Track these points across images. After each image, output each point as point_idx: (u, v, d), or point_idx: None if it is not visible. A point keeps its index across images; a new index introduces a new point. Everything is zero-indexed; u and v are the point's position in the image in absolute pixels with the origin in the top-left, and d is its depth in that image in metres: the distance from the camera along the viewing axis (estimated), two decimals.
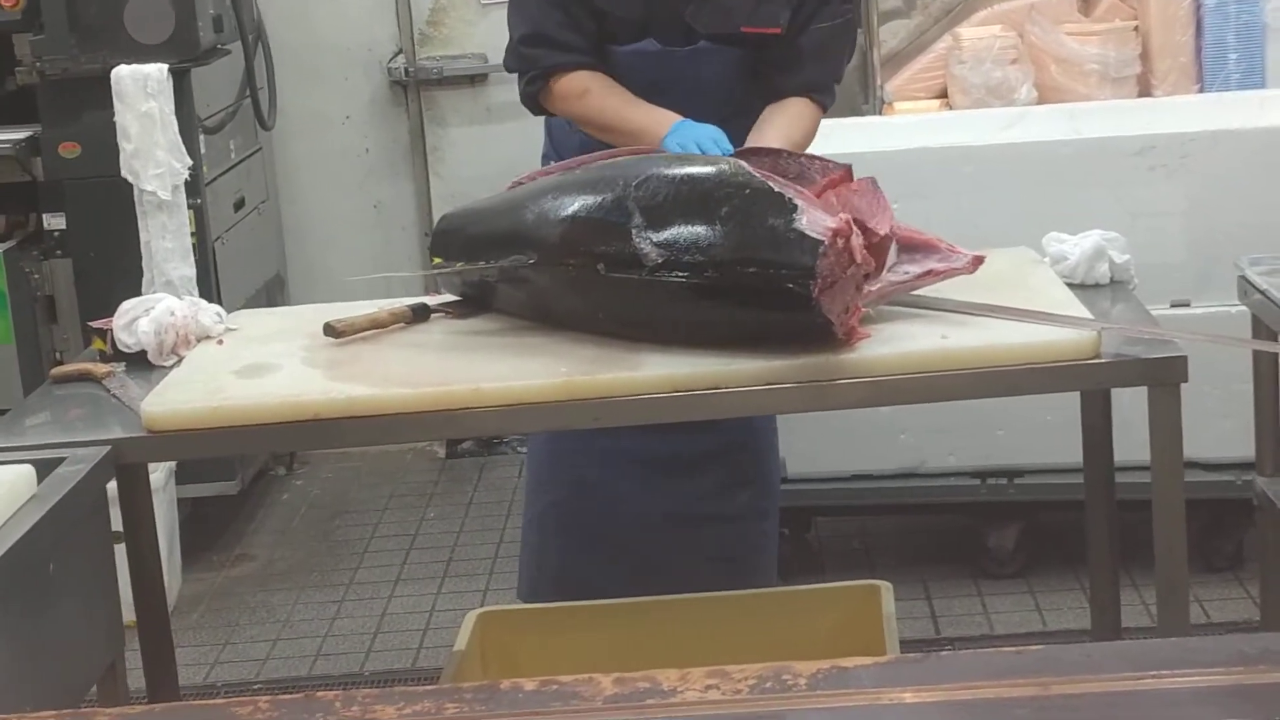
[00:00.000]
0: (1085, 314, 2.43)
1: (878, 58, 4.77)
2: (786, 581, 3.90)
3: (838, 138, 3.99)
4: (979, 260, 2.52)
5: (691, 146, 2.80)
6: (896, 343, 2.37)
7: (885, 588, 2.91)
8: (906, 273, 2.49)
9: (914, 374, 2.33)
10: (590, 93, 3.03)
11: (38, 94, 4.39)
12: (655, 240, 2.35)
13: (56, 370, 2.68)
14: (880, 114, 4.58)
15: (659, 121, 2.93)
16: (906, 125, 4.24)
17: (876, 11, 4.82)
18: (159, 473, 3.86)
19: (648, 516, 3.20)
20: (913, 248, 2.51)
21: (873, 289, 2.41)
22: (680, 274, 2.33)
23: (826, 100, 3.13)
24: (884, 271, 2.45)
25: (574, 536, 3.22)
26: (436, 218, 4.91)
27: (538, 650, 2.93)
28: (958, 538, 4.11)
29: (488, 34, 5.22)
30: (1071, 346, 2.33)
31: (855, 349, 2.34)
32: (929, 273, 2.49)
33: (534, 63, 3.05)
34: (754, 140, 2.92)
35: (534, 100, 3.10)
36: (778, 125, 3.00)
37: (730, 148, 2.80)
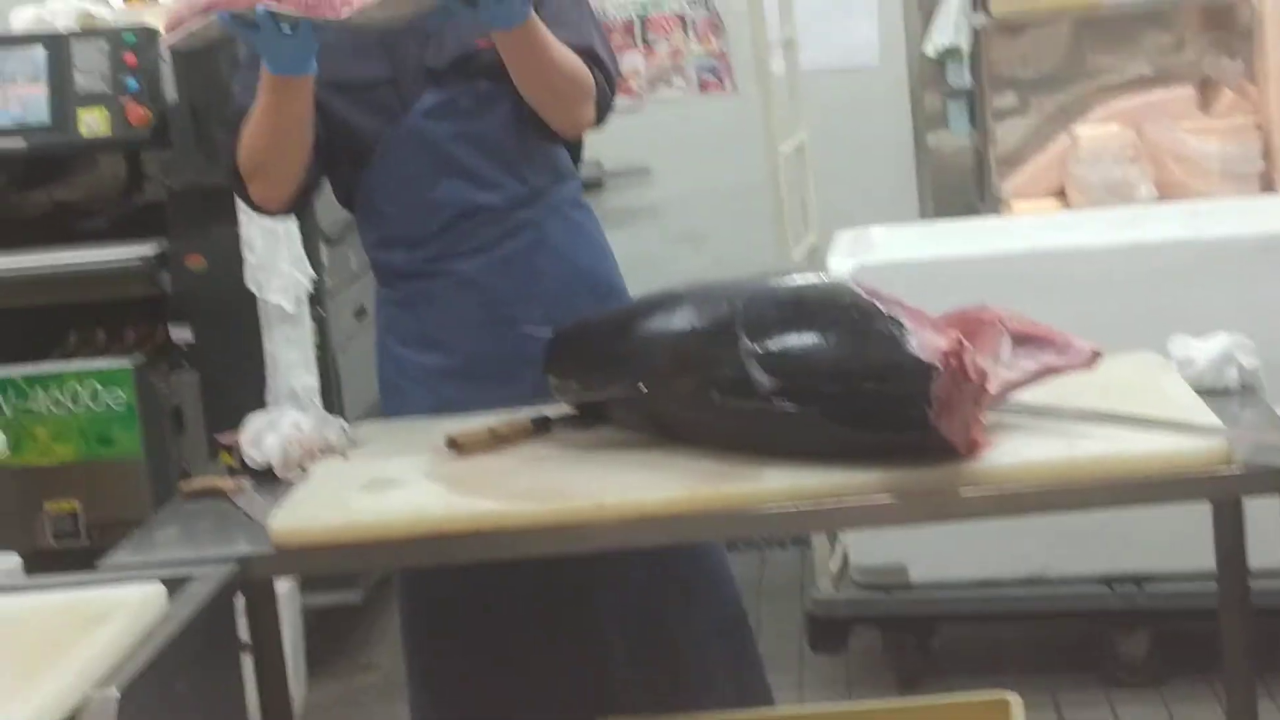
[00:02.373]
0: (1215, 421, 2.39)
1: (994, 157, 4.77)
2: (910, 691, 3.86)
3: (955, 239, 3.98)
4: (1097, 354, 2.48)
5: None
6: (1020, 452, 2.33)
7: (1014, 700, 2.85)
8: (1024, 369, 2.46)
9: (1039, 484, 2.30)
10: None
11: (165, 209, 4.48)
12: (766, 366, 2.35)
13: (186, 486, 2.72)
14: (997, 214, 4.57)
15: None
16: (1024, 226, 4.22)
17: (991, 110, 4.82)
18: (285, 583, 3.90)
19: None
20: (1027, 340, 2.48)
21: (991, 392, 2.39)
22: (793, 401, 2.33)
23: (600, 74, 2.86)
24: (999, 368, 2.43)
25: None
26: None
27: None
28: (1087, 645, 4.03)
29: (601, 141, 5.25)
30: (1202, 455, 2.29)
31: (979, 459, 2.31)
32: (1046, 368, 2.46)
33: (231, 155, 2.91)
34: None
35: (243, 188, 2.93)
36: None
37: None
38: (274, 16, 2.57)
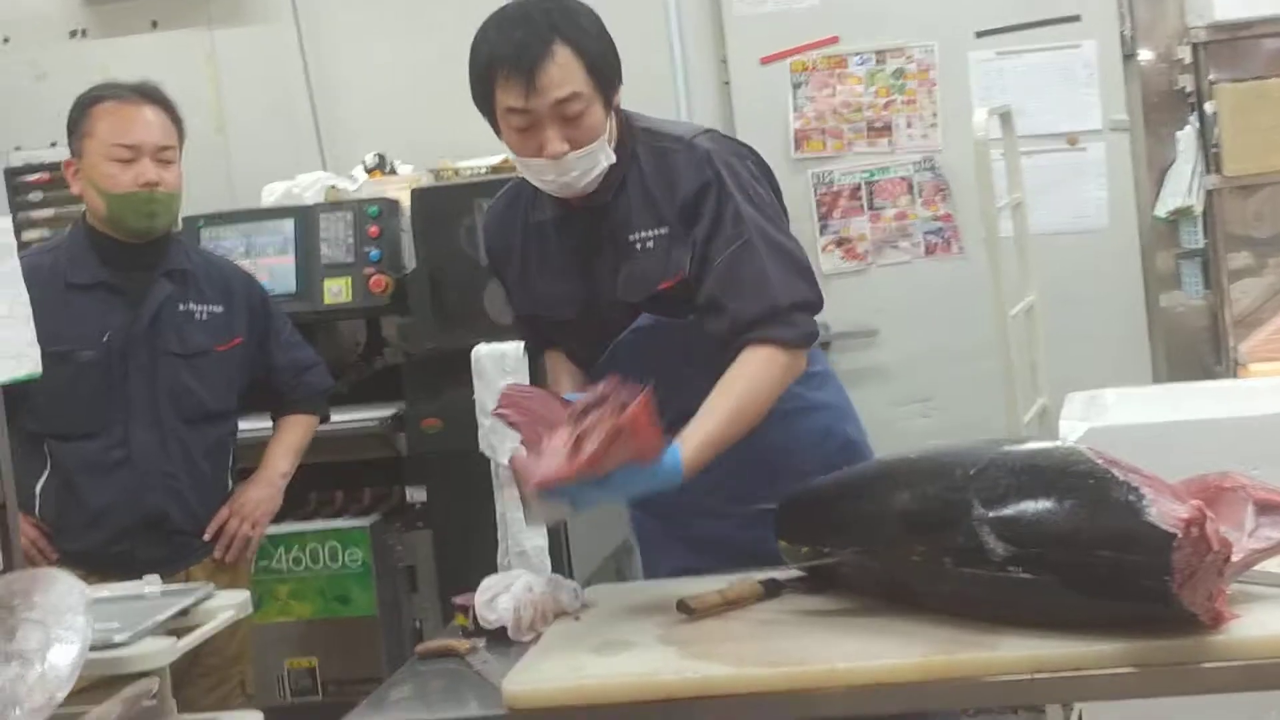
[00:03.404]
0: None
1: (1230, 318, 4.69)
2: None
3: (1190, 402, 3.90)
4: None
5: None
6: (1268, 624, 2.27)
7: None
8: (1269, 538, 2.39)
9: None
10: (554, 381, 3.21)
11: (403, 372, 4.61)
12: (1000, 535, 2.32)
13: (422, 647, 2.78)
14: (1233, 376, 4.47)
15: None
16: (1263, 389, 4.11)
17: (1226, 271, 4.75)
18: None
19: None
20: (1272, 508, 2.42)
21: (1235, 561, 2.33)
22: (1027, 569, 2.30)
23: (790, 333, 2.85)
24: (1243, 536, 2.37)
25: None
26: None
27: None
28: None
29: (829, 304, 5.28)
30: None
31: (1224, 630, 2.25)
32: None
33: (527, 339, 3.37)
34: (702, 409, 2.75)
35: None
36: (733, 381, 2.80)
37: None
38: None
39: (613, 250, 2.99)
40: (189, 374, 3.70)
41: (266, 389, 3.94)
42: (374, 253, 4.58)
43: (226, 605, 2.63)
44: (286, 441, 3.97)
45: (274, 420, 4.02)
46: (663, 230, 2.95)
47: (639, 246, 2.96)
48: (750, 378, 2.81)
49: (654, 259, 2.95)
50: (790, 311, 2.87)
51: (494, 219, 3.19)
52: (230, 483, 3.86)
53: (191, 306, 3.72)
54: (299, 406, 4.00)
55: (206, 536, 3.74)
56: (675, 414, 2.73)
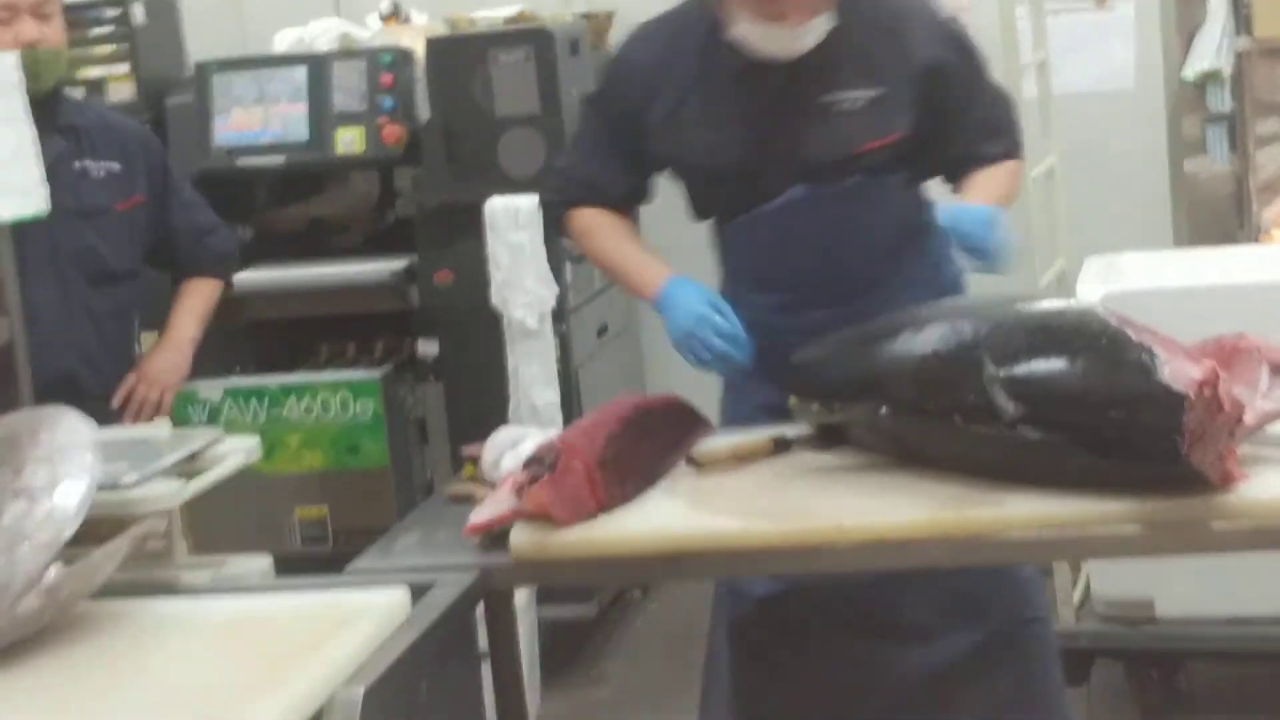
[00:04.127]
0: None
1: (1254, 184, 4.63)
2: None
3: (1210, 268, 3.87)
4: None
5: (685, 318, 2.83)
6: (1277, 485, 2.26)
7: None
8: None
9: None
10: (593, 233, 3.11)
11: (415, 225, 4.59)
12: (1011, 394, 2.30)
13: (451, 491, 2.79)
14: (1257, 242, 4.43)
15: (647, 281, 2.99)
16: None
17: (1253, 137, 4.69)
18: (522, 594, 3.94)
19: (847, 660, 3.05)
20: None
21: (1247, 422, 2.31)
22: (1038, 429, 2.28)
23: (1015, 147, 3.11)
24: (1256, 398, 2.35)
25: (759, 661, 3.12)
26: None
27: None
28: None
29: None
30: None
31: (1233, 490, 2.24)
32: None
33: (557, 193, 3.18)
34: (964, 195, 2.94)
35: (557, 228, 3.20)
36: (990, 178, 2.99)
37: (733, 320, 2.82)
38: None
39: (800, 108, 2.93)
40: (91, 233, 3.63)
41: (168, 252, 3.89)
42: (387, 102, 4.54)
43: (236, 450, 2.63)
44: (190, 306, 3.93)
45: (176, 285, 3.96)
46: (877, 91, 2.92)
47: (842, 106, 2.92)
48: (1004, 178, 3.01)
49: (860, 120, 2.92)
50: (1009, 130, 3.10)
51: (651, 47, 3.04)
52: (137, 349, 3.83)
53: (87, 164, 3.65)
54: (202, 270, 3.96)
55: (115, 403, 3.68)
56: (813, 278, 2.95)
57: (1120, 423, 2.23)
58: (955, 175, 3.04)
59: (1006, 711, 3.01)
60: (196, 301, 3.94)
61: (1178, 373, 2.21)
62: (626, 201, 3.14)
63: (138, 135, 3.86)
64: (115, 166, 3.71)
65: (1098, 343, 2.29)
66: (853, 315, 2.75)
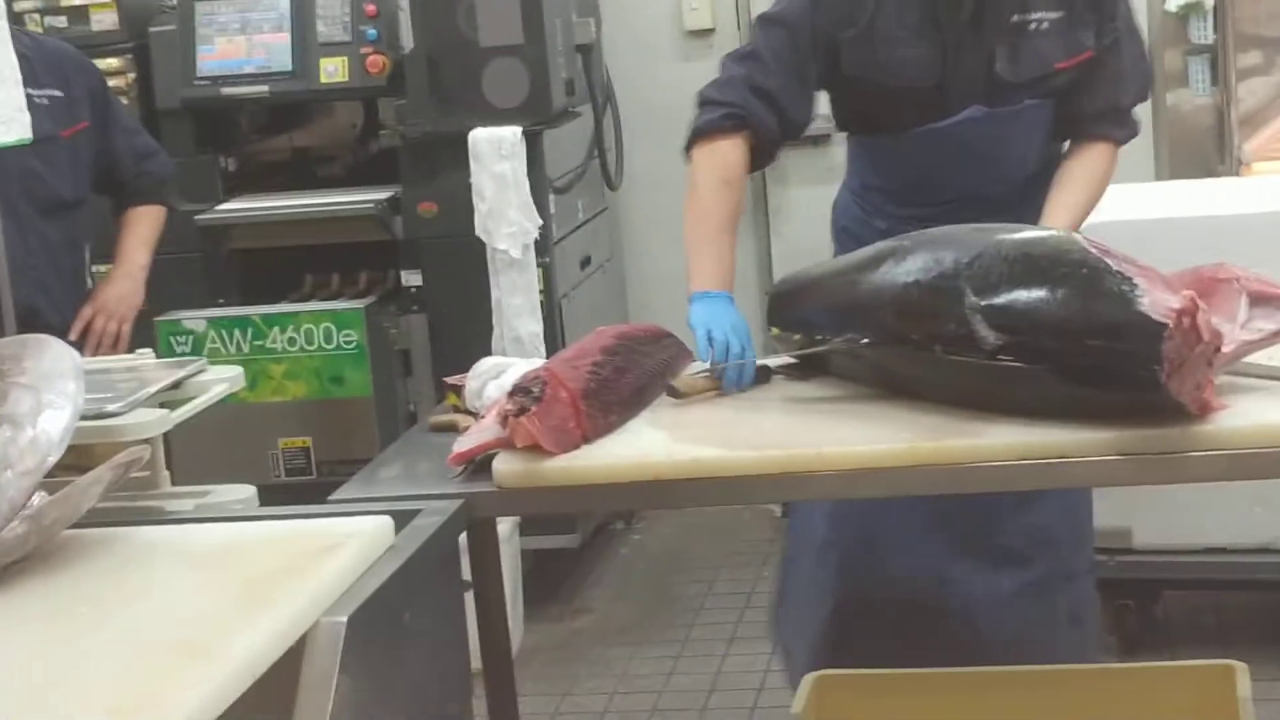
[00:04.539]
0: None
1: (1235, 117, 4.63)
2: (1132, 657, 3.79)
3: (1193, 200, 3.88)
4: None
5: (701, 331, 2.70)
6: (1255, 414, 2.27)
7: (1240, 669, 2.79)
8: (1260, 329, 2.39)
9: (1274, 447, 2.24)
10: (710, 185, 2.94)
11: (399, 156, 4.58)
12: (991, 323, 2.31)
13: (434, 420, 2.80)
14: (1237, 174, 4.44)
15: (694, 276, 2.83)
16: (1266, 187, 4.08)
17: (1234, 69, 4.68)
18: (504, 525, 3.97)
19: (934, 586, 3.15)
20: (1266, 301, 2.40)
21: (1226, 352, 2.32)
22: (1018, 357, 2.29)
23: (1123, 133, 3.09)
24: (1235, 328, 2.36)
25: (853, 596, 3.17)
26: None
27: (875, 715, 2.90)
28: None
29: None
30: None
31: (1211, 420, 2.26)
32: None
33: (722, 94, 3.00)
34: (1051, 204, 2.97)
35: (699, 137, 3.01)
36: (1078, 180, 3.02)
37: (749, 344, 2.68)
38: None
39: (993, 27, 2.97)
40: (37, 161, 3.60)
41: (111, 178, 3.88)
42: (371, 32, 4.52)
43: (219, 379, 2.64)
44: (139, 233, 3.92)
45: (118, 215, 3.95)
46: (1059, 13, 2.98)
47: (1031, 27, 2.97)
48: (1090, 174, 3.04)
49: (1051, 40, 2.98)
50: (1127, 112, 3.09)
51: None
52: (90, 281, 3.83)
53: (29, 91, 3.62)
54: (145, 197, 3.95)
55: (73, 336, 3.65)
56: (961, 194, 3.01)
57: (1099, 351, 2.24)
58: (1062, 132, 3.09)
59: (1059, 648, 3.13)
60: (144, 229, 3.93)
61: (1157, 302, 2.22)
62: (802, 125, 3.07)
63: (75, 60, 3.83)
64: (57, 93, 3.69)
65: (1078, 272, 2.30)
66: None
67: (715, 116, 2.97)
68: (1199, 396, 2.24)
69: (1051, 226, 2.87)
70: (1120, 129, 3.09)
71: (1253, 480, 3.27)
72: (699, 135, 2.98)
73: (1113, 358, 2.23)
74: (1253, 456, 2.24)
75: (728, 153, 2.95)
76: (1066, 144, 3.11)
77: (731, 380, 2.65)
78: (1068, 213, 2.97)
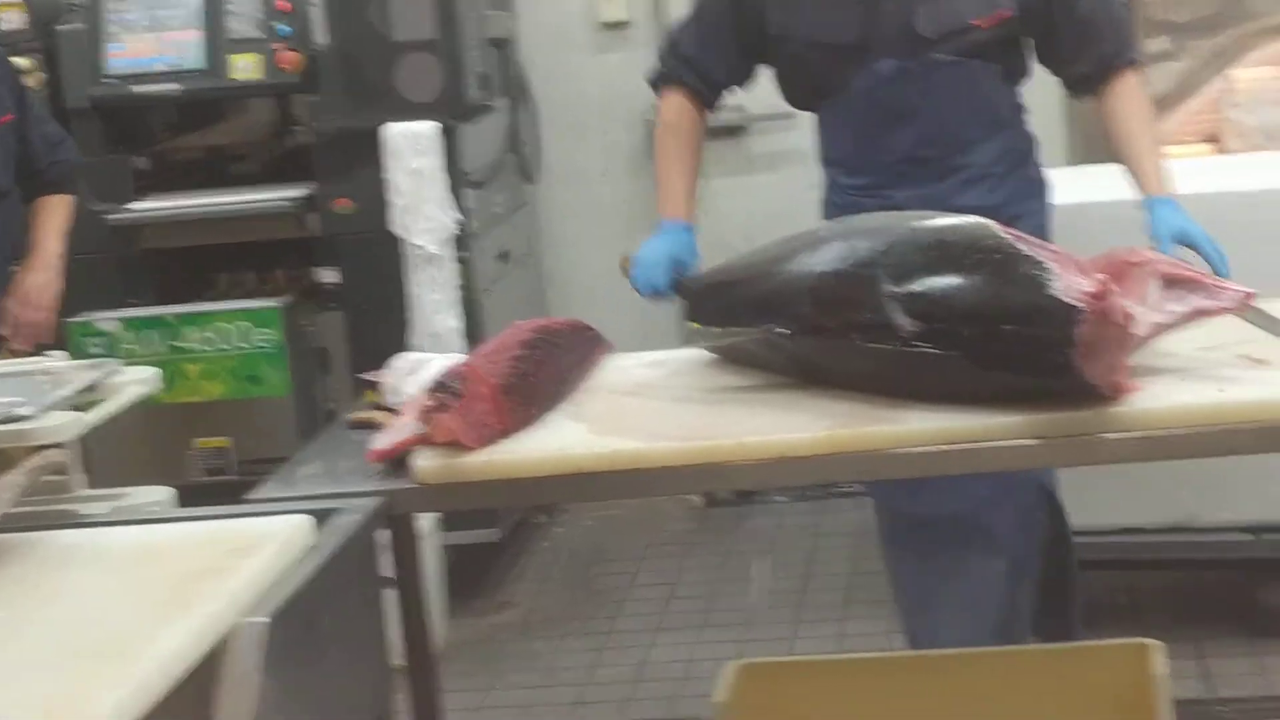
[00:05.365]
0: None
1: None
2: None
3: (1102, 185, 3.91)
4: (1248, 296, 2.43)
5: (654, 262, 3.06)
6: (1167, 396, 2.30)
7: (1156, 647, 2.82)
8: (1172, 312, 2.41)
9: (1187, 428, 2.27)
10: (662, 129, 3.29)
11: (314, 152, 4.55)
12: (907, 310, 2.33)
13: (352, 416, 2.78)
14: None
15: (662, 204, 3.20)
16: (1176, 171, 4.12)
17: (1145, 55, 4.72)
18: (426, 520, 3.95)
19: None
20: (1177, 283, 2.43)
21: (1138, 335, 2.35)
22: (934, 344, 2.31)
23: (1135, 51, 3.20)
24: (1147, 310, 2.38)
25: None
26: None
27: (798, 703, 2.91)
28: (1232, 595, 3.97)
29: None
30: None
31: (1125, 402, 2.28)
32: (1196, 311, 2.41)
33: (661, 64, 3.30)
34: (1125, 144, 3.11)
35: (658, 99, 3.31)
36: (1134, 118, 3.12)
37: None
38: None
39: None
40: None
41: (24, 167, 3.86)
42: (283, 28, 4.48)
43: (135, 381, 2.61)
44: (54, 223, 3.91)
45: (29, 203, 3.92)
46: None
47: None
48: (1142, 104, 3.16)
49: None
50: (1125, 33, 3.22)
51: None
52: (7, 272, 3.80)
53: None
54: (56, 186, 3.94)
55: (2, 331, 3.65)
56: (896, 156, 3.17)
57: (1014, 336, 2.26)
58: (1081, 88, 3.24)
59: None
60: (58, 218, 3.92)
61: (1070, 286, 2.24)
62: (724, 84, 3.29)
63: None
64: None
65: (991, 258, 2.32)
66: (930, 199, 2.97)
67: (653, 74, 3.32)
68: (1112, 379, 2.26)
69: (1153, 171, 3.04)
70: (1131, 49, 3.19)
71: (1167, 460, 3.33)
72: (651, 87, 3.33)
73: (1027, 342, 2.25)
74: (1165, 438, 2.27)
75: (670, 101, 3.28)
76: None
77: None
78: (1151, 154, 3.09)
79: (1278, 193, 3.76)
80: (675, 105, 3.26)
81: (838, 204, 3.29)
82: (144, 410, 4.01)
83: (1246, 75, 4.45)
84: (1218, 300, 2.41)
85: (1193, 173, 4.05)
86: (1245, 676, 3.73)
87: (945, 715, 2.70)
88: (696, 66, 3.25)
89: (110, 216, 4.52)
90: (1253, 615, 3.89)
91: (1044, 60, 3.27)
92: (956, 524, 3.26)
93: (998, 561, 3.27)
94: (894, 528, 3.34)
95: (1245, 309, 2.41)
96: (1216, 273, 2.83)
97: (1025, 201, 3.28)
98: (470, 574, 4.72)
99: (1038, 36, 3.20)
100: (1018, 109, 3.32)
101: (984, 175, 3.23)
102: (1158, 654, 2.81)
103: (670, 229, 3.15)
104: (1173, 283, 2.41)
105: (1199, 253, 2.92)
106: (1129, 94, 3.15)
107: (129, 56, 4.55)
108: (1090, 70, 3.17)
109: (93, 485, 2.63)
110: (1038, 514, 3.35)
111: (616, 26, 5.37)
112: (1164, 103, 4.71)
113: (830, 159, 3.35)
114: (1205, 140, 4.55)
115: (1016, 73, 3.28)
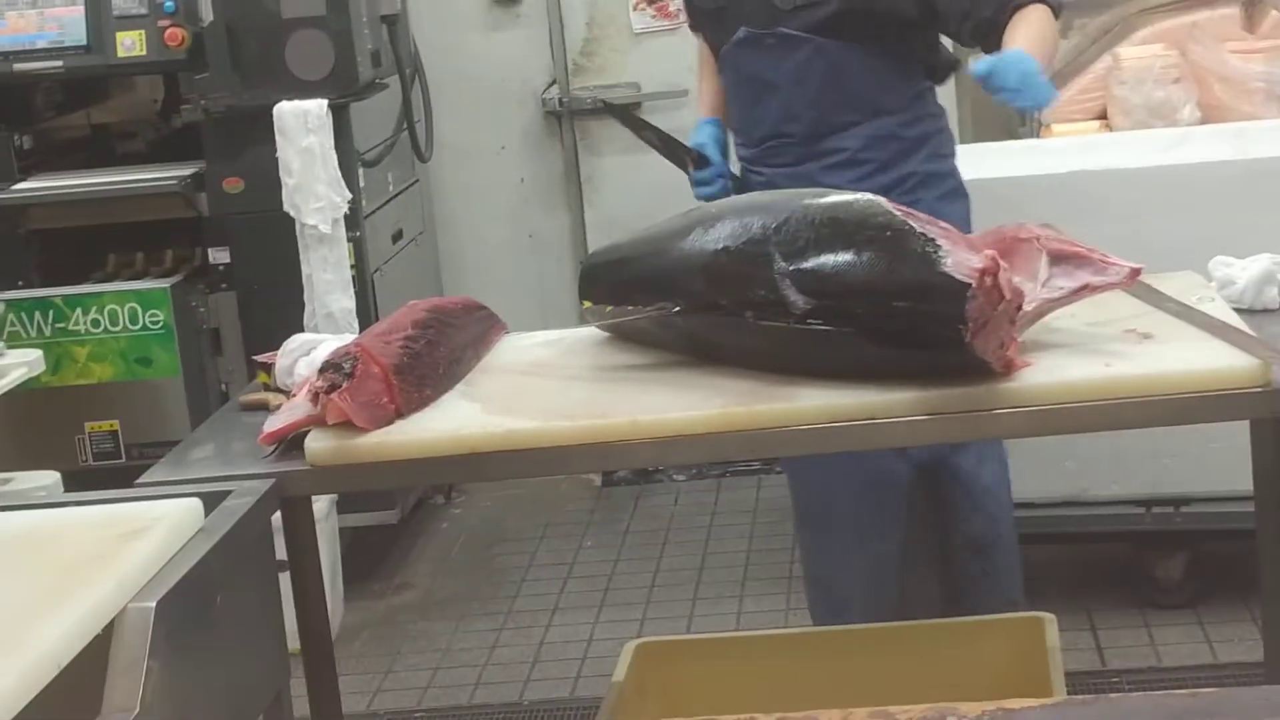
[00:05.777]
0: (1254, 340, 2.37)
1: None
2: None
3: (993, 162, 3.95)
4: (1136, 272, 2.45)
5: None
6: (1058, 371, 2.32)
7: (1049, 619, 2.86)
8: (1060, 288, 2.43)
9: (1076, 403, 2.29)
10: (700, 59, 3.59)
11: (202, 131, 4.48)
12: (800, 288, 2.33)
13: (245, 398, 2.75)
14: (1038, 136, 4.52)
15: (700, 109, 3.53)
16: (1065, 148, 4.17)
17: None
18: (321, 503, 3.92)
19: None
20: (1065, 259, 2.45)
21: (1028, 310, 2.37)
22: (827, 321, 2.32)
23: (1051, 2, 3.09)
24: (1036, 286, 2.40)
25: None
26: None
27: (696, 682, 2.92)
28: (1123, 567, 4.03)
29: (640, 63, 5.26)
30: (1240, 374, 2.27)
31: (1015, 377, 2.30)
32: (1085, 286, 2.43)
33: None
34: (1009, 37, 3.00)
35: None
36: (1030, 26, 3.03)
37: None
38: None
39: None
40: None
41: None
42: (168, 4, 4.41)
43: (17, 364, 2.57)
44: None
45: None
46: None
47: None
48: (1041, 22, 3.03)
49: None
50: None
51: None
52: None
53: None
54: None
55: None
56: (766, 130, 3.31)
57: (905, 313, 2.28)
58: (988, 31, 3.11)
59: None
60: None
61: (960, 262, 2.25)
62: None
63: None
64: None
65: (882, 235, 2.33)
66: (802, 176, 3.15)
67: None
68: (1003, 354, 2.28)
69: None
70: None
71: (1057, 435, 3.37)
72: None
73: (918, 318, 2.26)
74: (1055, 412, 2.29)
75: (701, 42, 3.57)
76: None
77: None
78: (1025, 36, 2.97)
79: (1162, 169, 3.80)
80: (701, 43, 3.56)
81: (739, 177, 3.47)
82: (31, 393, 3.97)
83: (1132, 53, 4.49)
84: (1106, 276, 2.43)
85: (1081, 149, 4.10)
86: (1137, 648, 3.78)
87: (842, 690, 2.71)
88: (695, 18, 3.52)
89: None
90: (1144, 587, 3.95)
91: (948, 31, 3.28)
92: (859, 501, 3.29)
93: (894, 540, 3.31)
94: (807, 503, 3.38)
95: (1132, 284, 2.44)
96: (1012, 102, 2.87)
97: (916, 192, 3.27)
98: (369, 556, 4.69)
99: (921, 14, 3.19)
100: (914, 101, 3.33)
101: (853, 161, 3.27)
102: (1051, 626, 2.84)
103: (705, 122, 3.48)
104: (1061, 259, 2.43)
105: (1000, 85, 2.85)
106: (1032, 15, 3.06)
107: (10, 33, 4.47)
108: (992, 13, 3.10)
109: None
110: (951, 491, 3.44)
111: (508, 4, 5.35)
112: (1054, 81, 4.75)
113: (732, 127, 3.51)
114: (1095, 118, 4.59)
115: (910, 62, 3.29)
